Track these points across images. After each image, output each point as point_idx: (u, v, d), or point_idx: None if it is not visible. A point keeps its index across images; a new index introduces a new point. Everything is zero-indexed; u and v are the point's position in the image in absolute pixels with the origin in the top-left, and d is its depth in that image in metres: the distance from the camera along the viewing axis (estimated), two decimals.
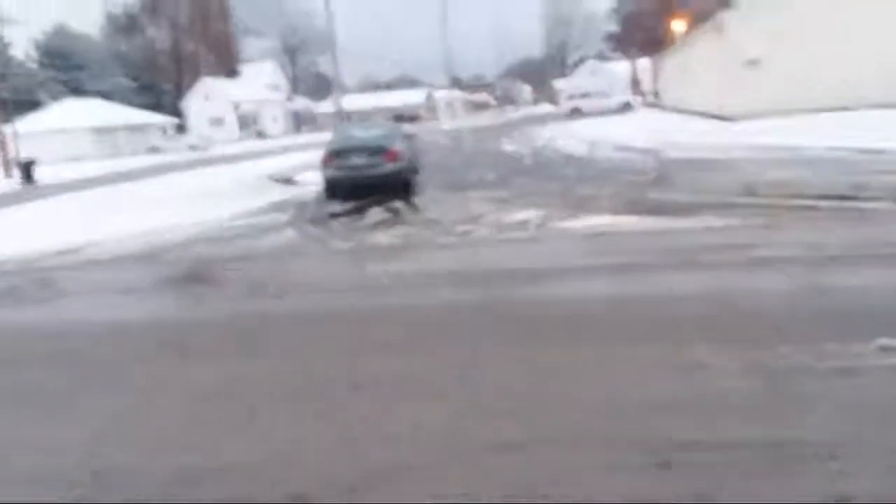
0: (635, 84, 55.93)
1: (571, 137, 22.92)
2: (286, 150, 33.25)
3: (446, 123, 55.43)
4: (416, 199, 11.84)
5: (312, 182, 14.76)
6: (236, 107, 64.87)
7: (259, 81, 70.32)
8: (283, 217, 11.39)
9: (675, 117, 28.10)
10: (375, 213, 10.73)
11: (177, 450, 3.42)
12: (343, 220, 10.57)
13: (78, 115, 51.51)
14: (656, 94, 45.06)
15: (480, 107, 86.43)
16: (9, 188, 25.90)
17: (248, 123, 65.31)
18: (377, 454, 3.16)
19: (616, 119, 31.80)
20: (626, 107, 38.07)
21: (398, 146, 12.93)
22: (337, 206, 11.69)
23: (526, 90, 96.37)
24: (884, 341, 3.80)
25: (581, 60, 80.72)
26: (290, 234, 9.83)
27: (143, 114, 57.83)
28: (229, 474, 3.13)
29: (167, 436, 3.59)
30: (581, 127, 27.96)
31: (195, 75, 67.53)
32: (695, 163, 13.42)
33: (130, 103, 59.77)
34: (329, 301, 6.06)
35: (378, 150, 12.54)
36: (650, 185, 10.89)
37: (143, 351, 5.04)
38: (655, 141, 17.80)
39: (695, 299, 5.05)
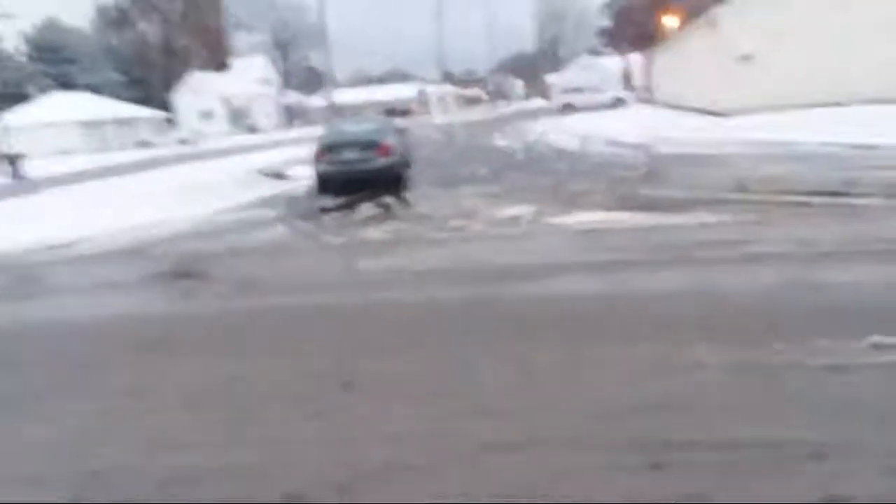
0: (627, 79, 55.91)
1: (563, 132, 22.88)
2: (277, 144, 33.08)
3: (438, 118, 55.30)
4: (408, 195, 11.79)
5: (304, 177, 14.67)
6: (226, 101, 64.46)
7: (250, 75, 69.82)
8: (273, 212, 11.32)
9: (667, 113, 28.11)
10: (367, 209, 10.68)
11: (171, 450, 3.38)
12: (334, 215, 10.51)
13: (67, 108, 51.05)
14: (648, 90, 45.07)
15: (472, 101, 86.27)
16: None
17: (238, 117, 64.92)
18: (374, 454, 3.13)
19: (608, 114, 31.79)
20: (618, 102, 38.08)
21: (390, 141, 12.87)
22: (328, 201, 11.62)
23: (518, 85, 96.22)
24: (876, 339, 3.79)
25: (573, 55, 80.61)
26: (280, 229, 9.77)
27: (132, 108, 57.32)
28: (225, 475, 3.09)
29: (161, 436, 3.54)
30: (573, 122, 27.94)
31: (185, 69, 67.03)
32: (687, 158, 13.42)
33: (120, 97, 59.19)
34: (321, 297, 6.01)
35: (370, 145, 12.47)
36: (642, 181, 10.88)
37: (132, 349, 4.97)
38: (647, 136, 17.79)
39: (689, 296, 5.03)
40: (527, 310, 5.03)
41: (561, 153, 16.92)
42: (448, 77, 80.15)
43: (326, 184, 12.56)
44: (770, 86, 19.99)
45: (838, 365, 3.58)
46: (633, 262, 6.18)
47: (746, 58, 20.81)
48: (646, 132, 18.94)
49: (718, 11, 22.21)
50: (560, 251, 6.93)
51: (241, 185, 15.78)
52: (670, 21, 41.80)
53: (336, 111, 39.80)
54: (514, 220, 8.67)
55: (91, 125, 51.22)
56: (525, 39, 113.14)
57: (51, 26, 62.38)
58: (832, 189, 8.35)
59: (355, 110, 49.92)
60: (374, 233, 8.80)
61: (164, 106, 62.22)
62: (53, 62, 60.53)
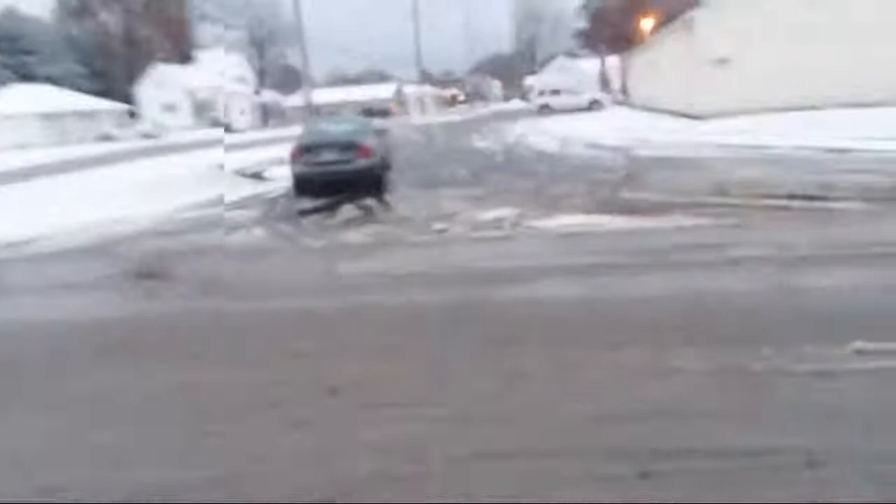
0: (604, 82, 56.34)
1: (542, 134, 22.95)
2: (254, 143, 32.72)
3: (416, 118, 55.19)
4: (388, 197, 11.70)
5: (280, 177, 14.50)
6: (191, 94, 63.48)
7: (214, 68, 68.83)
8: (246, 212, 11.16)
9: (644, 115, 28.35)
10: (346, 211, 10.57)
11: (137, 464, 3.26)
12: (313, 217, 10.39)
13: (26, 101, 49.70)
14: (625, 92, 45.44)
15: (451, 102, 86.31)
16: None
17: (203, 111, 63.86)
18: (359, 465, 3.07)
19: (586, 116, 31.97)
20: (595, 104, 38.29)
21: (370, 141, 12.76)
22: (306, 203, 11.49)
23: (496, 86, 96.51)
24: (859, 344, 3.81)
25: (550, 57, 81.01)
26: (254, 230, 9.63)
27: (93, 100, 55.83)
28: (196, 491, 2.99)
29: (125, 448, 3.42)
30: (551, 124, 28.04)
31: (148, 61, 65.80)
32: (665, 161, 13.50)
33: (81, 89, 57.69)
34: (298, 301, 5.91)
35: (349, 146, 12.34)
36: (621, 184, 10.91)
37: (92, 354, 4.80)
38: (625, 139, 17.90)
39: (670, 300, 5.03)
40: (511, 314, 5.00)
41: (540, 155, 16.94)
42: (426, 77, 79.99)
43: (304, 185, 12.40)
44: (745, 89, 20.23)
45: (823, 371, 3.60)
46: (615, 265, 6.18)
47: (722, 61, 21.03)
48: (623, 135, 19.05)
49: (694, 15, 22.42)
50: (542, 254, 6.92)
51: (205, 182, 15.47)
52: (646, 24, 42.22)
53: (313, 111, 39.47)
54: (496, 222, 8.65)
55: (51, 118, 49.97)
56: (502, 40, 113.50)
57: (9, 16, 60.80)
58: (808, 193, 8.44)
59: (333, 110, 49.59)
60: (355, 235, 8.71)
61: (127, 98, 60.98)
62: (12, 53, 59.01)
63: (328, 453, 3.20)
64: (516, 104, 64.98)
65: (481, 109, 64.71)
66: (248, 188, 14.46)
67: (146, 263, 7.21)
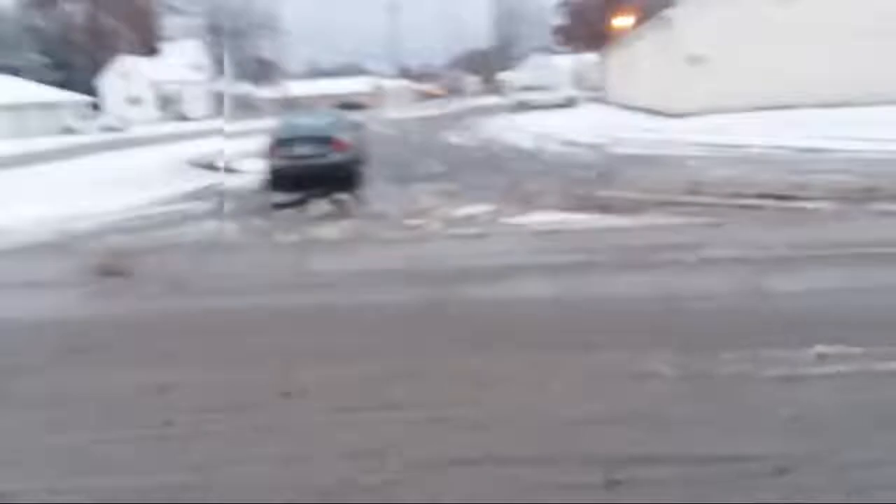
0: (580, 78, 56.53)
1: (518, 130, 22.91)
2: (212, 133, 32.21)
3: (393, 113, 54.88)
4: (363, 192, 11.58)
5: (246, 170, 14.26)
6: (156, 86, 62.37)
7: (181, 60, 67.69)
8: (213, 207, 10.95)
9: (620, 113, 28.48)
10: (320, 205, 10.43)
11: (94, 472, 3.13)
12: (286, 211, 10.23)
13: None
14: (601, 90, 45.63)
15: (428, 97, 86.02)
16: None
17: (168, 104, 62.79)
18: (326, 472, 2.97)
19: (562, 113, 32.00)
20: (571, 101, 38.37)
21: (346, 136, 12.60)
22: (279, 197, 11.30)
23: (473, 81, 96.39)
24: (820, 349, 3.82)
25: (528, 54, 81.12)
26: (226, 225, 9.44)
27: (56, 92, 54.38)
28: (155, 500, 2.88)
29: (82, 455, 3.27)
30: (528, 120, 28.01)
31: (113, 53, 64.40)
32: (640, 159, 13.54)
33: (43, 80, 56.17)
34: (268, 299, 5.78)
35: (325, 140, 12.17)
36: (597, 182, 10.90)
37: (52, 355, 4.60)
38: (601, 136, 17.92)
39: (645, 301, 5.01)
40: (484, 314, 4.93)
41: (516, 151, 16.91)
42: (403, 72, 79.76)
43: (278, 179, 12.20)
44: (722, 88, 20.34)
45: (787, 376, 3.60)
46: (590, 264, 6.15)
47: (699, 59, 21.14)
48: (599, 132, 19.09)
49: (671, 13, 22.51)
50: (516, 252, 6.86)
51: (171, 176, 15.18)
52: (623, 21, 42.40)
53: (288, 104, 39.08)
54: (471, 219, 8.57)
55: (11, 109, 48.40)
56: (480, 36, 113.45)
57: None
58: (783, 192, 8.49)
59: (308, 103, 49.15)
60: (328, 231, 8.58)
61: (91, 91, 59.70)
62: None
63: (295, 459, 3.10)
64: (493, 100, 64.92)
65: (458, 105, 64.52)
66: (210, 181, 14.18)
67: (109, 260, 6.98)
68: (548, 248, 6.95)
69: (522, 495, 2.75)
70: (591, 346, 4.13)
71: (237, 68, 76.55)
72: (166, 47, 70.71)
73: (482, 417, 3.37)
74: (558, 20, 70.35)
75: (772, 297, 4.90)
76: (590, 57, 53.81)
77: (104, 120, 48.96)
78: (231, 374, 4.09)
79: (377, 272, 6.37)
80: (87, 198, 12.12)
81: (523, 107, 37.73)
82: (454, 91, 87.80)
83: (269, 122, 17.12)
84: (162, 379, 4.01)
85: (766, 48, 20.05)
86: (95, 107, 57.06)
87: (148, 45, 68.50)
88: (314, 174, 11.83)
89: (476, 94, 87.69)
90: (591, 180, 11.07)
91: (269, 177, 12.39)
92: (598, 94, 43.86)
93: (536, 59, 72.13)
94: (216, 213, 10.15)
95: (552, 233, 7.57)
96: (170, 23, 76.18)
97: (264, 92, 68.13)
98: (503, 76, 76.97)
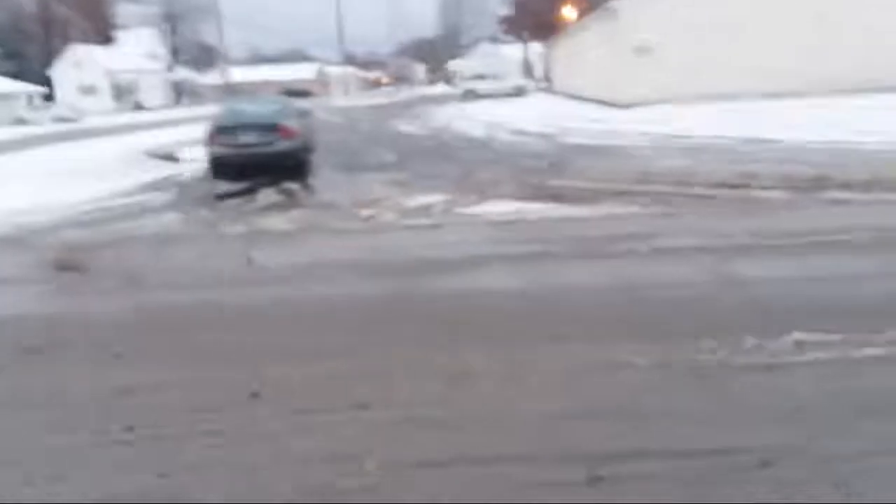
0: (527, 68, 56.85)
1: (468, 119, 22.83)
2: (168, 123, 31.20)
3: (339, 100, 54.15)
4: (312, 181, 11.27)
5: (197, 159, 13.75)
6: (111, 76, 60.21)
7: (136, 49, 65.55)
8: (164, 197, 10.51)
9: (568, 103, 28.70)
10: (267, 195, 10.08)
11: (48, 480, 2.88)
12: (231, 201, 9.85)
13: None
14: (548, 79, 45.98)
15: (374, 85, 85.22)
16: None
17: (124, 93, 60.82)
18: (286, 477, 2.78)
19: (510, 102, 32.09)
20: (519, 90, 38.55)
21: (293, 123, 12.22)
22: (224, 187, 10.89)
23: (420, 70, 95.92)
24: (798, 335, 3.80)
25: (475, 42, 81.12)
26: (172, 216, 9.04)
27: (7, 82, 52.08)
28: None
29: (33, 461, 3.03)
30: (477, 109, 27.97)
31: (65, 41, 61.86)
32: (590, 149, 13.61)
33: None
34: (223, 294, 5.49)
35: (271, 127, 11.77)
36: (549, 171, 10.88)
37: (4, 354, 4.33)
38: (550, 126, 17.99)
39: (610, 291, 4.95)
40: (448, 307, 4.77)
41: (467, 140, 16.81)
42: (349, 59, 78.58)
43: (220, 167, 11.74)
44: (668, 78, 20.66)
45: (766, 364, 3.56)
46: (550, 254, 6.06)
47: (645, 50, 21.41)
48: (548, 122, 19.16)
49: (617, 3, 22.72)
50: (474, 243, 6.72)
51: (127, 167, 14.63)
52: (569, 11, 42.73)
53: (230, 90, 38.01)
54: (425, 209, 8.40)
55: None
56: (426, 24, 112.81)
57: None
58: (734, 182, 8.60)
59: (251, 90, 47.91)
60: (277, 222, 8.27)
61: (43, 81, 57.21)
62: None
63: (254, 465, 2.90)
64: (441, 88, 64.76)
65: (406, 93, 64.13)
66: (165, 171, 13.68)
67: (65, 255, 6.62)
68: (505, 238, 6.84)
69: (504, 495, 2.62)
70: (560, 338, 4.02)
71: (180, 54, 74.32)
72: (121, 35, 68.26)
73: (455, 415, 3.23)
74: (504, 10, 70.34)
75: (739, 285, 4.89)
76: (538, 47, 54.11)
77: (57, 110, 46.86)
78: (191, 374, 3.85)
79: (332, 264, 6.14)
80: (42, 190, 11.50)
81: (472, 96, 37.70)
82: (402, 79, 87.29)
83: (214, 109, 16.57)
84: (120, 380, 3.76)
85: (711, 39, 20.45)
86: (48, 97, 54.58)
87: (102, 34, 65.94)
88: (260, 163, 11.43)
89: (424, 82, 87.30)
90: (543, 170, 11.04)
91: (211, 165, 11.94)
92: (546, 85, 44.16)
93: (484, 49, 72.24)
94: (166, 205, 9.74)
95: (508, 223, 7.47)
96: (124, 10, 73.49)
97: (207, 78, 66.29)
98: (451, 65, 76.80)
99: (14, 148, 22.97)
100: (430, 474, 2.78)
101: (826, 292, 4.68)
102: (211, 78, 62.65)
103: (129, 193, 11.09)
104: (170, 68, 70.78)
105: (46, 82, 57.21)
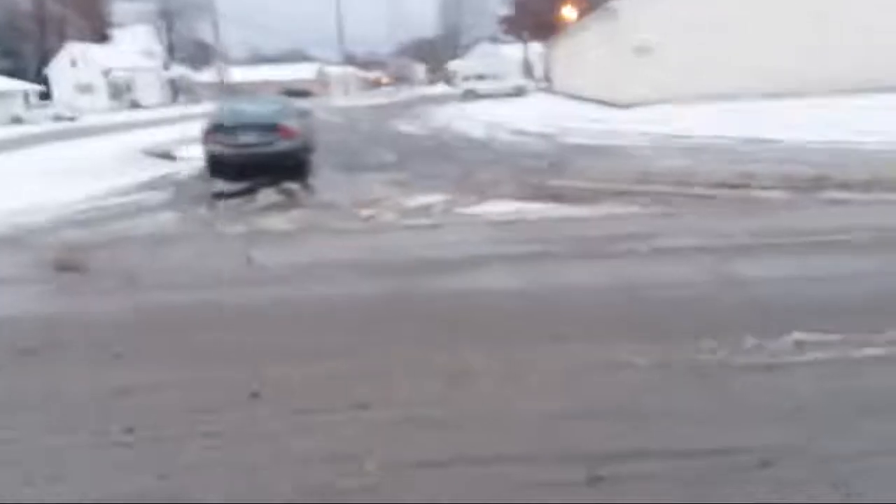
0: (527, 68, 56.84)
1: (468, 119, 22.83)
2: (165, 121, 31.19)
3: (339, 100, 54.13)
4: (312, 181, 11.26)
5: (195, 157, 13.75)
6: (107, 74, 60.14)
7: (132, 47, 65.45)
8: (161, 196, 10.50)
9: (568, 103, 28.70)
10: (267, 195, 10.07)
11: (46, 482, 2.87)
12: (231, 201, 9.84)
13: None
14: (548, 79, 45.97)
15: (375, 85, 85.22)
16: None
17: (120, 92, 60.76)
18: (286, 477, 2.78)
19: (510, 102, 32.09)
20: (520, 91, 38.55)
21: (293, 123, 12.21)
22: (223, 186, 10.89)
23: (420, 70, 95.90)
24: (798, 335, 3.80)
25: (474, 42, 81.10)
26: (170, 215, 9.03)
27: (3, 81, 52.07)
28: None
29: (30, 463, 3.01)
30: (477, 109, 27.97)
31: (61, 40, 61.80)
32: (590, 149, 13.61)
33: None
34: (223, 294, 5.48)
35: (271, 127, 11.76)
36: (550, 171, 10.88)
37: (2, 355, 4.31)
38: (550, 126, 17.99)
39: (610, 291, 4.94)
40: (448, 307, 4.76)
41: (467, 141, 16.81)
42: (349, 59, 78.55)
43: (218, 166, 11.74)
44: (668, 78, 20.64)
45: (766, 364, 3.55)
46: (550, 254, 6.06)
47: (645, 50, 21.40)
48: (548, 122, 19.16)
49: (617, 3, 22.71)
50: (474, 243, 6.71)
51: (125, 166, 14.61)
52: (568, 11, 42.73)
53: (228, 88, 37.97)
54: (425, 209, 8.40)
55: None
56: (427, 24, 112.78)
57: None
58: (734, 182, 8.59)
59: (249, 89, 47.88)
60: (277, 222, 8.27)
61: (40, 79, 57.18)
62: None
63: (255, 465, 2.90)
64: (441, 88, 64.75)
65: (406, 93, 64.11)
66: (163, 170, 13.67)
67: (64, 255, 6.62)
68: (505, 238, 6.83)
69: (504, 495, 2.62)
70: (560, 338, 4.02)
71: (176, 52, 74.20)
72: (117, 33, 68.17)
73: (455, 415, 3.22)
74: (504, 10, 70.36)
75: (739, 284, 4.89)
76: (538, 47, 54.09)
77: (54, 109, 46.82)
78: (190, 374, 3.84)
79: (331, 264, 6.14)
80: (39, 190, 11.47)
81: (472, 96, 37.70)
82: (401, 79, 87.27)
83: (211, 107, 16.56)
84: (120, 381, 3.75)
85: (711, 39, 20.43)
86: (45, 96, 54.54)
87: (98, 32, 65.91)
88: (260, 162, 11.43)
89: (424, 82, 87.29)
90: (543, 170, 11.04)
91: (208, 164, 11.93)
92: (546, 85, 44.12)
93: (484, 49, 72.20)
94: (165, 204, 9.72)
95: (508, 223, 7.46)
96: (119, 8, 73.41)
97: (203, 76, 66.23)
98: (451, 65, 76.75)
99: (10, 147, 22.96)
100: (430, 474, 2.78)
101: (826, 292, 4.68)
102: (208, 76, 62.59)
103: (126, 192, 11.08)
104: (166, 66, 70.71)
105: (43, 81, 57.20)
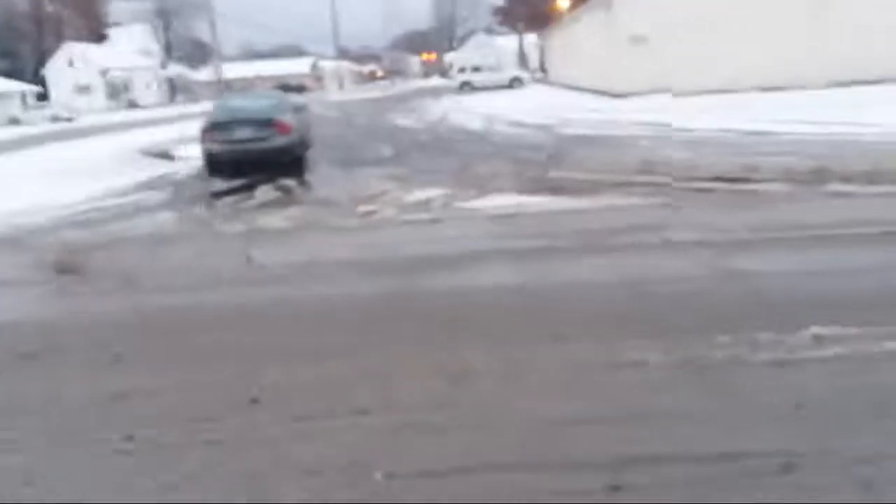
0: (523, 59, 56.58)
1: (465, 112, 22.68)
2: (163, 121, 31.00)
3: (334, 95, 53.90)
4: (309, 177, 11.16)
5: (193, 157, 13.63)
6: (104, 74, 59.85)
7: (129, 46, 65.13)
8: (160, 196, 10.39)
9: (564, 93, 28.54)
10: (265, 192, 9.98)
11: (44, 494, 2.79)
12: (228, 199, 9.75)
13: None
14: (543, 70, 45.76)
15: (370, 78, 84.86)
16: None
17: (118, 92, 60.49)
18: (286, 490, 2.68)
19: (507, 94, 31.93)
20: (516, 82, 38.35)
21: (288, 118, 12.10)
22: (221, 184, 10.79)
23: (415, 62, 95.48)
24: (816, 330, 3.70)
25: (469, 34, 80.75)
26: (169, 215, 8.93)
27: (1, 82, 51.82)
28: None
29: (30, 476, 2.92)
30: (474, 101, 27.81)
31: (59, 40, 61.41)
32: (589, 140, 13.50)
33: None
34: (217, 295, 5.40)
35: (266, 122, 11.65)
36: (549, 163, 10.78)
37: (2, 361, 4.24)
38: (548, 117, 17.86)
39: (614, 286, 4.84)
40: (450, 305, 4.67)
41: (465, 133, 16.69)
42: (344, 53, 78.14)
43: (216, 165, 11.65)
44: (664, 67, 20.48)
45: (784, 360, 3.45)
46: (552, 249, 5.97)
47: (640, 39, 21.24)
48: (546, 113, 19.02)
49: None
50: (476, 238, 6.62)
51: (123, 166, 14.49)
52: (562, 1, 42.47)
53: (224, 85, 37.80)
54: (425, 204, 8.30)
55: None
56: (421, 16, 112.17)
57: None
58: (734, 174, 8.48)
59: (245, 85, 47.67)
60: (275, 220, 8.17)
61: (37, 80, 56.79)
62: None
63: (253, 475, 2.80)
64: (436, 81, 64.44)
65: (401, 86, 63.85)
66: (161, 170, 13.55)
67: (63, 257, 6.52)
68: (506, 233, 6.75)
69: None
70: (566, 336, 3.92)
71: (174, 51, 73.83)
72: (113, 33, 67.77)
73: (457, 419, 3.12)
74: (498, 1, 70.00)
75: (747, 278, 4.79)
76: (531, 37, 53.84)
77: (52, 109, 46.56)
78: (190, 378, 3.76)
79: (331, 262, 6.05)
80: (37, 191, 11.35)
81: (468, 88, 37.51)
82: (396, 72, 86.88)
83: (209, 105, 16.44)
84: (119, 385, 3.66)
85: (707, 28, 20.25)
86: (42, 96, 54.20)
87: (95, 31, 65.51)
88: (256, 159, 11.33)
89: (419, 75, 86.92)
90: (542, 162, 10.93)
91: (206, 162, 11.84)
92: (541, 75, 43.90)
93: (479, 40, 71.84)
94: (163, 204, 9.63)
95: (509, 217, 7.37)
96: (116, 7, 72.95)
97: (201, 75, 65.94)
98: (446, 57, 76.42)
99: (9, 148, 22.81)
100: (435, 483, 2.67)
101: (839, 285, 4.58)
102: (205, 74, 62.28)
103: (124, 193, 10.96)
104: (163, 65, 70.40)
105: (40, 81, 56.85)
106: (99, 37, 66.27)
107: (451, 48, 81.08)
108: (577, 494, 2.56)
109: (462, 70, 41.89)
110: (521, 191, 8.68)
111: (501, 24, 71.56)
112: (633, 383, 3.37)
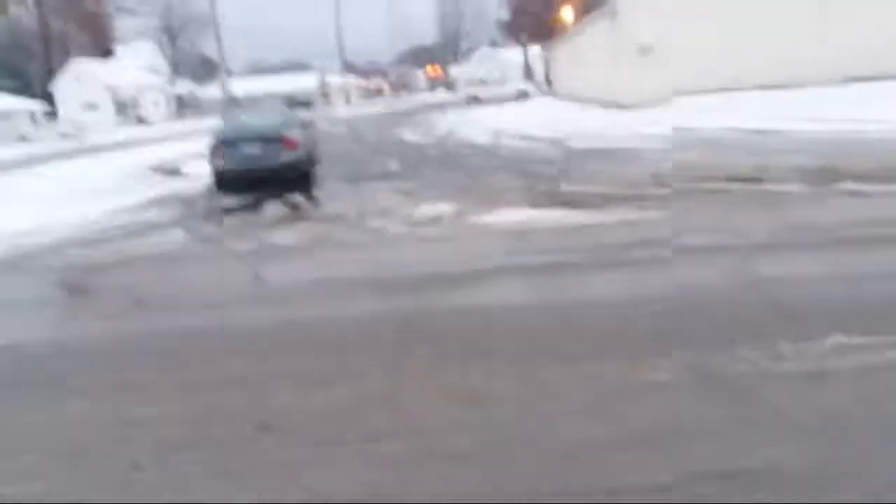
0: (528, 72, 56.70)
1: (473, 125, 22.67)
2: (170, 137, 31.14)
3: (341, 110, 54.09)
4: (318, 192, 11.11)
5: (201, 174, 13.63)
6: (112, 91, 60.34)
7: (136, 62, 65.69)
8: (170, 214, 10.35)
9: (571, 106, 28.48)
10: (273, 209, 9.92)
11: None
12: (237, 216, 9.70)
13: None
14: (549, 82, 45.80)
15: (375, 93, 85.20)
16: None
17: (126, 108, 60.94)
18: None
19: (514, 107, 31.95)
20: (522, 95, 38.42)
21: (295, 134, 12.10)
22: (229, 201, 10.75)
23: (421, 76, 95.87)
24: (837, 338, 3.60)
25: (474, 48, 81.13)
26: (178, 234, 8.88)
27: (9, 99, 52.22)
28: None
29: (29, 500, 2.86)
30: (481, 115, 27.83)
31: (66, 56, 62.04)
32: (599, 152, 13.41)
33: None
34: (227, 315, 5.31)
35: (273, 139, 11.65)
36: (560, 177, 10.69)
37: (6, 386, 4.20)
38: (557, 130, 17.80)
39: (632, 301, 4.74)
40: (464, 324, 4.57)
41: (473, 147, 16.63)
42: (350, 68, 78.56)
43: (224, 181, 11.64)
44: (672, 76, 20.34)
45: (807, 372, 3.36)
46: (567, 264, 5.87)
47: (647, 49, 21.16)
48: (554, 126, 18.97)
49: (617, 2, 22.49)
50: (489, 254, 6.52)
51: (132, 184, 14.51)
52: (567, 13, 42.59)
53: (232, 102, 37.96)
54: (436, 219, 8.21)
55: None
56: (426, 31, 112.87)
57: None
58: (747, 176, 8.36)
59: (252, 101, 47.83)
60: (283, 236, 8.10)
61: (45, 97, 57.29)
62: None
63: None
64: (442, 95, 64.64)
65: (408, 100, 64.06)
66: (170, 187, 13.55)
67: (70, 277, 6.45)
68: (519, 248, 6.64)
69: None
70: (586, 356, 3.83)
71: (181, 67, 74.49)
72: (120, 49, 68.46)
73: (472, 447, 3.01)
74: (502, 14, 70.33)
75: (767, 285, 4.67)
76: (536, 50, 53.97)
77: (60, 127, 46.85)
78: (199, 403, 3.68)
79: (342, 281, 5.96)
80: (46, 210, 11.35)
81: (475, 101, 37.59)
82: (403, 87, 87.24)
83: (216, 122, 16.48)
84: (126, 412, 3.59)
85: (713, 33, 20.19)
86: (50, 114, 54.64)
87: (101, 48, 66.11)
88: (263, 176, 11.32)
89: (424, 89, 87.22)
90: (553, 176, 10.85)
91: (215, 180, 11.83)
92: (547, 88, 43.89)
93: (484, 53, 72.10)
94: (172, 222, 9.59)
95: (521, 232, 7.27)
96: (122, 24, 73.76)
97: (208, 91, 66.42)
98: (452, 71, 76.73)
99: (18, 166, 22.91)
100: None
101: (860, 291, 4.45)
102: (212, 90, 62.72)
103: (134, 210, 10.94)
104: (171, 81, 70.96)
105: (49, 99, 57.34)
106: (105, 52, 66.87)
107: (456, 62, 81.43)
108: None
109: (469, 83, 41.99)
110: (533, 205, 8.59)
111: (506, 37, 71.83)
112: (655, 403, 3.27)
